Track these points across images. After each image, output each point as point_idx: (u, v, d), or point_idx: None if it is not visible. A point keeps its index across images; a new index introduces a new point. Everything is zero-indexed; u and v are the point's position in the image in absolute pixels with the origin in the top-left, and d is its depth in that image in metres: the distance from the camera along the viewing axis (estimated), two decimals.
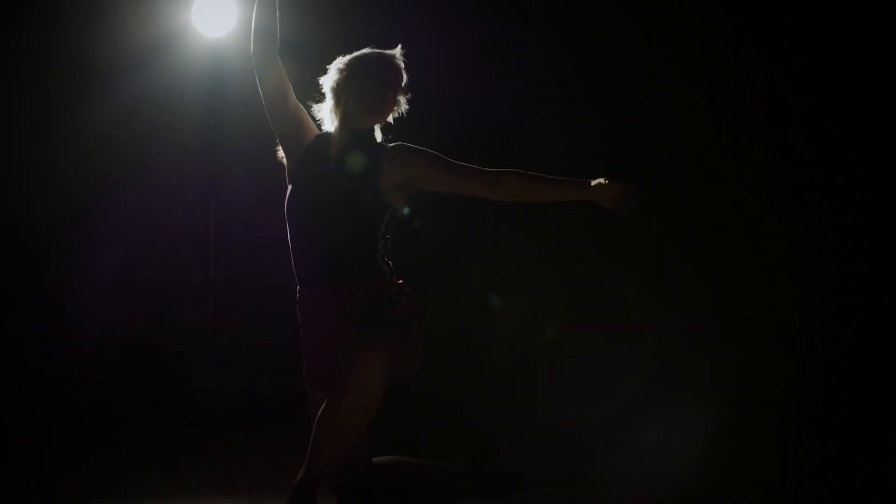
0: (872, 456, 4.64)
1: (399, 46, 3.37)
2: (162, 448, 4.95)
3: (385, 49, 3.36)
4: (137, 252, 6.12)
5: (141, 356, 6.06)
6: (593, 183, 3.24)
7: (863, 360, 5.80)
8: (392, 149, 3.31)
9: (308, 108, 3.38)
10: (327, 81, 3.33)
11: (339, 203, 3.22)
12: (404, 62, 3.34)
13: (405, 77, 3.33)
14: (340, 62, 3.33)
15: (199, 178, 6.19)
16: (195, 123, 6.14)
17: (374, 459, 3.35)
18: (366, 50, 3.35)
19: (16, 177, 5.95)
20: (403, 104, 3.35)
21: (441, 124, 5.38)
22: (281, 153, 3.40)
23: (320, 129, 3.39)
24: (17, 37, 5.93)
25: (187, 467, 4.34)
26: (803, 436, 5.18)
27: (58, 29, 5.95)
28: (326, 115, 3.36)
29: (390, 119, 3.36)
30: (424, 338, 3.27)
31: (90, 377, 5.82)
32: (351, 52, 3.35)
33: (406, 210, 3.40)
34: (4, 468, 4.30)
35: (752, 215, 6.02)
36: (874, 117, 5.89)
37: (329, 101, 3.34)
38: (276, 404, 5.66)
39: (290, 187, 3.33)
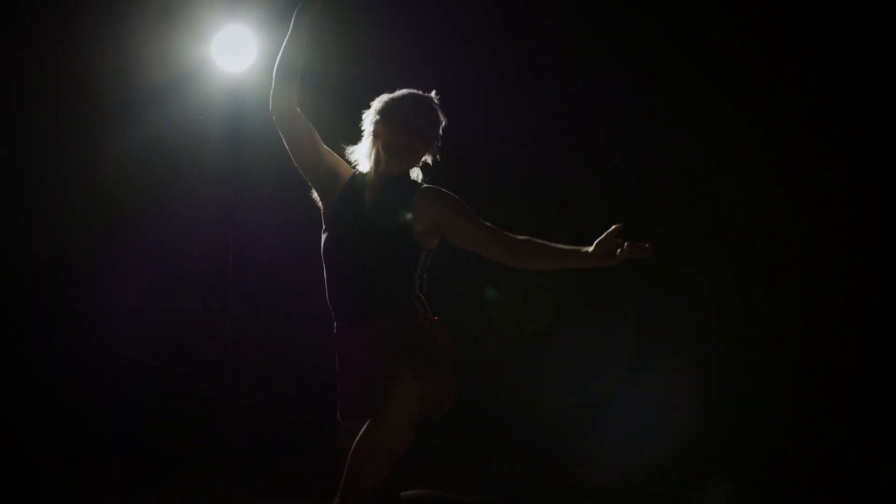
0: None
1: (434, 92, 3.38)
2: (181, 477, 4.96)
3: (420, 90, 3.37)
4: (157, 283, 6.16)
5: (159, 386, 6.08)
6: (591, 249, 3.17)
7: (864, 358, 5.77)
8: (423, 192, 3.32)
9: (341, 149, 3.42)
10: (365, 122, 3.37)
11: (373, 245, 3.25)
12: (439, 104, 3.36)
13: (441, 122, 3.35)
14: (378, 103, 3.36)
15: (218, 211, 6.23)
16: (215, 157, 6.19)
17: (402, 494, 3.36)
18: (403, 92, 3.36)
19: (38, 209, 6.01)
20: (436, 151, 3.37)
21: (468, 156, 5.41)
22: (315, 196, 3.44)
23: (353, 168, 3.41)
24: (41, 72, 5.99)
25: (207, 497, 4.35)
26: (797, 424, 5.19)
27: (80, 65, 6.01)
28: (362, 156, 3.39)
29: (428, 160, 3.38)
30: (456, 374, 3.28)
31: (109, 406, 5.84)
32: (389, 91, 3.37)
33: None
34: (25, 494, 4.32)
35: (755, 214, 6.02)
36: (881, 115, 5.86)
37: (365, 142, 3.37)
38: (295, 434, 5.66)
39: (325, 228, 3.37)
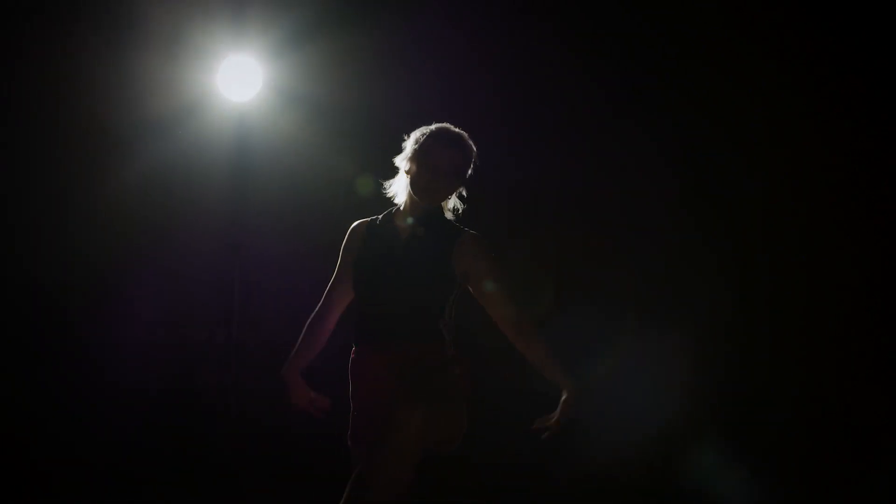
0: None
1: (466, 135, 3.41)
2: None
3: (451, 125, 3.41)
4: (162, 313, 6.15)
5: (165, 416, 6.05)
6: (566, 395, 3.28)
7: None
8: (467, 238, 3.36)
9: (379, 184, 3.49)
10: (398, 158, 3.42)
11: (410, 277, 3.27)
12: (470, 141, 3.40)
13: (469, 161, 3.38)
14: (411, 139, 3.39)
15: (224, 240, 6.22)
16: (220, 187, 6.19)
17: None
18: (434, 129, 3.39)
19: (44, 238, 6.00)
20: (462, 190, 3.42)
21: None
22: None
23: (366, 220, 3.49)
24: (45, 101, 6.00)
25: None
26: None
27: (84, 95, 6.02)
28: (399, 190, 3.45)
29: (456, 200, 3.44)
30: (469, 408, 3.29)
31: (113, 434, 5.82)
32: (426, 124, 3.41)
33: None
34: None
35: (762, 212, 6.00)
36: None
37: (400, 177, 3.43)
38: (301, 464, 5.63)
39: (358, 258, 3.41)
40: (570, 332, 5.65)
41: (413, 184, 3.34)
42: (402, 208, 3.41)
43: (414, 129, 3.41)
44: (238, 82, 5.84)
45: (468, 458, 3.57)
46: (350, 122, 5.95)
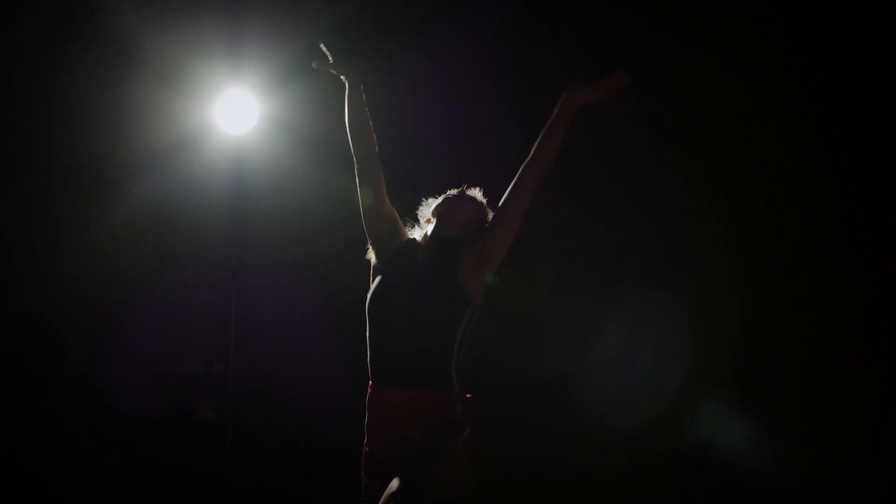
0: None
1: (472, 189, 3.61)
2: None
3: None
4: (159, 345, 6.16)
5: (161, 448, 6.05)
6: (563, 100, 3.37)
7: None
8: (467, 243, 3.48)
9: (404, 220, 3.62)
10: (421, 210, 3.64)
11: (421, 306, 3.33)
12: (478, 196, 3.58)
13: (476, 208, 3.55)
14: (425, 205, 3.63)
15: (221, 273, 6.24)
16: (218, 218, 6.22)
17: None
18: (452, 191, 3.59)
19: (41, 271, 6.02)
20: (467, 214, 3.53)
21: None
22: (371, 254, 3.57)
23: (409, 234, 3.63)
24: (40, 136, 6.04)
25: None
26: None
27: (83, 128, 6.06)
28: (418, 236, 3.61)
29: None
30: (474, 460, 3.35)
31: (109, 467, 5.82)
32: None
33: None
34: None
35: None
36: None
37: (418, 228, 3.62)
38: (298, 496, 5.63)
39: (373, 284, 3.46)
40: (571, 303, 5.77)
41: (433, 221, 3.53)
42: (420, 241, 3.56)
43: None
44: (235, 115, 5.89)
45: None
46: (346, 154, 5.98)
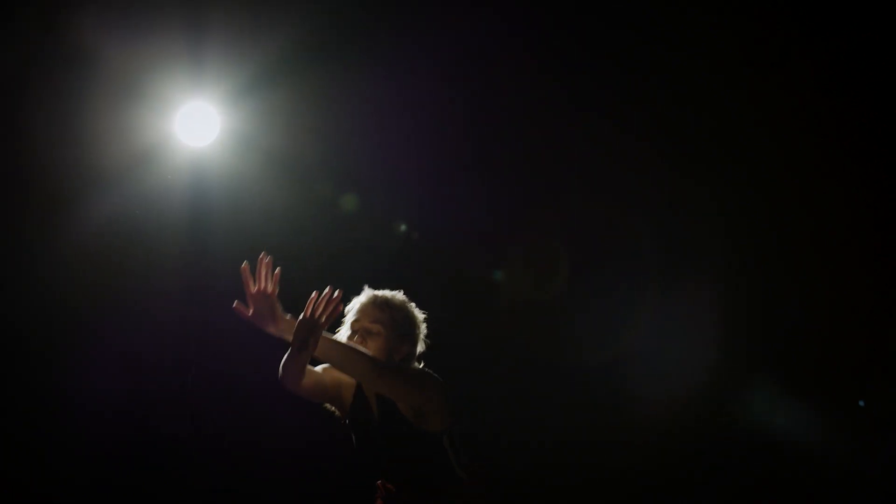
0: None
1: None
2: None
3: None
4: (119, 359, 6.12)
5: (125, 460, 6.02)
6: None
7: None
8: None
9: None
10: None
11: (398, 452, 3.51)
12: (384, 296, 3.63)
13: (381, 309, 3.59)
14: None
15: (182, 284, 6.23)
16: (178, 231, 6.20)
17: None
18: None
19: (4, 285, 5.98)
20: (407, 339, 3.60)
21: None
22: (331, 407, 3.66)
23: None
24: (1, 148, 5.99)
25: None
26: None
27: (40, 140, 6.02)
28: None
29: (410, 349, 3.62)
30: None
31: (76, 482, 5.79)
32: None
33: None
34: None
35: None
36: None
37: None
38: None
39: (353, 438, 3.63)
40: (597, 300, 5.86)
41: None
42: (364, 393, 3.61)
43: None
44: (196, 127, 5.88)
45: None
46: (306, 167, 6.00)
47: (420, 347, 3.62)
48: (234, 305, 3.25)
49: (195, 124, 5.87)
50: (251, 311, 3.27)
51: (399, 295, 3.64)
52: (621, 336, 5.86)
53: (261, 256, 3.27)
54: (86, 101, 5.93)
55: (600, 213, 6.08)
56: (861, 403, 5.28)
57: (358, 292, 3.64)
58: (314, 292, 3.18)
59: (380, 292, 3.61)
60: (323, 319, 3.15)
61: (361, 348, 3.40)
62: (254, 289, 3.25)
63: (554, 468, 5.73)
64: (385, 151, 5.69)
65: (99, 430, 5.98)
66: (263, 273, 3.25)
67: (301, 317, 3.17)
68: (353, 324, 3.56)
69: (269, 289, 3.26)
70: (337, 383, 3.57)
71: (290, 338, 3.22)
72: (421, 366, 3.60)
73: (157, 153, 6.00)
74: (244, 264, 3.25)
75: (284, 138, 5.69)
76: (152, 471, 6.05)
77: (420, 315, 3.64)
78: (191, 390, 6.15)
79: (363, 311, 3.57)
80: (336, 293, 3.18)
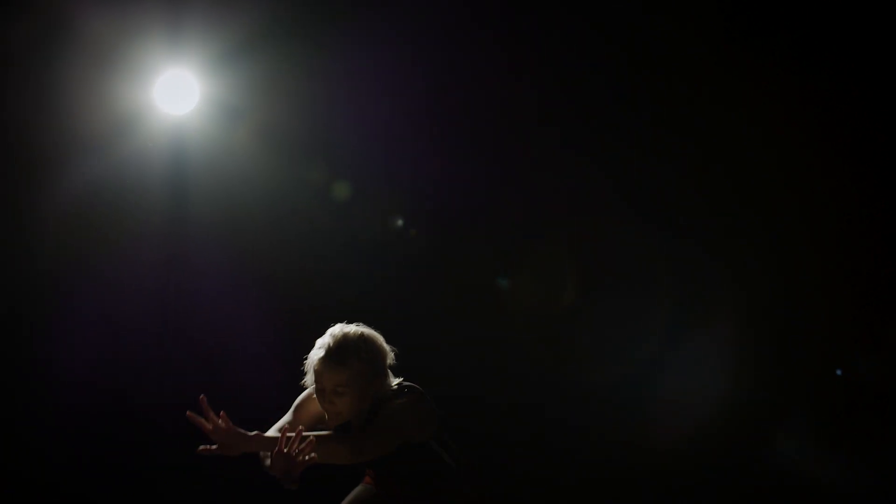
0: None
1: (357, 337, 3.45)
2: None
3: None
4: (98, 326, 6.10)
5: (100, 431, 6.00)
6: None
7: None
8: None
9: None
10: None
11: (387, 467, 3.54)
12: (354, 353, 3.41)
13: (359, 373, 3.40)
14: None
15: (160, 253, 6.20)
16: (158, 199, 6.17)
17: None
18: (318, 343, 3.46)
19: None
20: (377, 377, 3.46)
21: None
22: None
23: None
24: None
25: None
26: None
27: (18, 109, 5.96)
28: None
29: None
30: None
31: (49, 453, 5.78)
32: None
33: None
34: None
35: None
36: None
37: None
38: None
39: None
40: (608, 324, 5.86)
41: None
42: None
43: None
44: (176, 95, 5.84)
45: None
46: (287, 134, 5.97)
47: (390, 360, 3.48)
48: (200, 449, 3.15)
49: (175, 92, 5.82)
50: (216, 446, 3.16)
51: (350, 336, 3.39)
52: (632, 353, 5.82)
53: (200, 397, 3.18)
54: (64, 68, 5.88)
55: (614, 227, 6.05)
56: (838, 372, 5.26)
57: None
58: (284, 434, 3.12)
59: (332, 344, 3.38)
60: (300, 459, 3.09)
61: (332, 435, 3.29)
62: (209, 426, 3.15)
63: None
64: (370, 127, 5.63)
65: (76, 400, 5.95)
66: (210, 412, 3.16)
67: (277, 451, 3.10)
68: (317, 392, 3.43)
69: (223, 424, 3.15)
70: (318, 413, 3.53)
71: (265, 451, 3.25)
72: (400, 380, 3.50)
73: (137, 121, 5.96)
74: (189, 413, 3.17)
75: (265, 106, 5.66)
76: (131, 445, 6.04)
77: (377, 340, 3.44)
78: (170, 360, 6.13)
79: (322, 376, 3.39)
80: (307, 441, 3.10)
